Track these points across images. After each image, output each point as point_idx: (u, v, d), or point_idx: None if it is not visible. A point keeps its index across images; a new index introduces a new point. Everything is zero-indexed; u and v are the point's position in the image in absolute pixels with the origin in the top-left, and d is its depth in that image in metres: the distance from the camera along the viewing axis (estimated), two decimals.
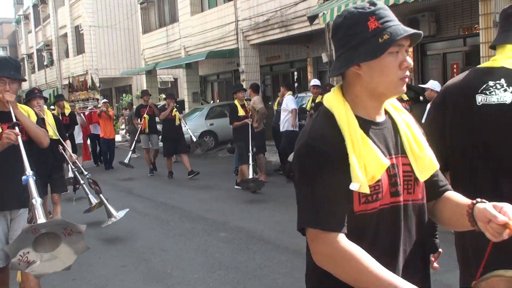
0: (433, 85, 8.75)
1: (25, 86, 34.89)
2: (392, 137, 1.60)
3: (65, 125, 8.52)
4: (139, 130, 12.04)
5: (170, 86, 27.56)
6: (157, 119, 12.54)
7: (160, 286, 4.80)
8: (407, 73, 1.53)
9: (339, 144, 1.49)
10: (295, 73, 19.25)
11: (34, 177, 3.06)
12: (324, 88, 8.41)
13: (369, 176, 1.48)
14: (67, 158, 6.77)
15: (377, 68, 1.50)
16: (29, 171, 3.08)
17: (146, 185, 10.92)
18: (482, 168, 2.09)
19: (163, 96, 25.47)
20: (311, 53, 17.44)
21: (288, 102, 10.23)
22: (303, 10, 13.83)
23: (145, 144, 12.16)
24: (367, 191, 1.47)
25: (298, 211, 1.55)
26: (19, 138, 3.26)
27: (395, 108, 1.68)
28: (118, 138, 19.54)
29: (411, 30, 1.50)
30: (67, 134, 7.30)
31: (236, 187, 9.50)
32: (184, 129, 11.34)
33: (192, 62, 20.07)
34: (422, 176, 1.61)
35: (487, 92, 2.07)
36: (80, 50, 31.65)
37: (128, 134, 17.69)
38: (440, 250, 2.19)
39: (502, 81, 2.07)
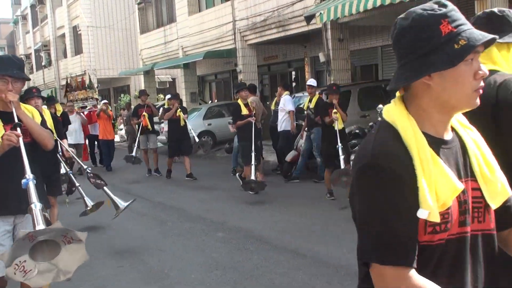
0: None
1: (24, 86, 34.81)
2: (460, 157, 1.43)
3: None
4: (140, 129, 11.87)
5: (168, 86, 27.57)
6: (155, 119, 12.53)
7: (157, 286, 4.82)
8: (482, 83, 1.38)
9: (407, 164, 1.31)
10: (293, 72, 19.29)
11: (35, 181, 2.93)
12: (331, 88, 8.19)
13: (440, 202, 1.30)
14: (64, 152, 6.75)
15: (450, 78, 1.34)
16: (29, 174, 2.93)
17: (145, 185, 10.94)
18: None
19: (161, 96, 25.61)
20: (309, 53, 17.48)
21: (286, 102, 10.26)
22: (300, 10, 13.86)
23: (143, 144, 12.15)
24: (437, 219, 1.29)
25: (360, 240, 1.36)
26: (21, 139, 3.12)
27: (461, 124, 1.49)
28: (116, 138, 19.54)
29: (489, 35, 1.34)
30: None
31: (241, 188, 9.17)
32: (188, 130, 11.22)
33: (190, 62, 20.11)
34: (494, 202, 1.42)
35: None
36: (78, 50, 31.66)
37: (126, 134, 17.68)
38: None
39: None
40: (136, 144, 11.97)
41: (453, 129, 1.46)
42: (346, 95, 10.77)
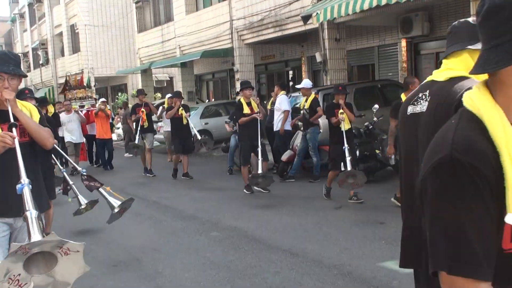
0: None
1: (20, 85, 34.79)
2: None
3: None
4: (138, 126, 11.67)
5: (165, 85, 27.59)
6: (153, 118, 12.49)
7: (151, 285, 4.84)
8: None
9: (494, 161, 1.13)
10: (290, 72, 19.31)
11: (30, 186, 2.75)
12: (337, 89, 8.04)
13: None
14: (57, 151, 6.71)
15: None
16: (24, 179, 2.76)
17: (140, 184, 10.94)
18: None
19: (159, 94, 25.61)
20: (306, 52, 17.52)
21: (281, 102, 10.27)
22: (297, 9, 13.89)
23: (140, 143, 12.11)
24: None
25: (431, 246, 1.20)
26: (16, 141, 2.95)
27: None
28: (114, 137, 19.52)
29: None
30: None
31: (245, 191, 9.02)
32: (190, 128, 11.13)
33: (187, 61, 20.12)
34: None
35: (415, 103, 2.30)
36: (75, 49, 31.64)
37: (123, 133, 17.68)
38: None
39: (427, 92, 2.27)
40: (137, 135, 11.73)
41: None
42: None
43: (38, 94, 33.67)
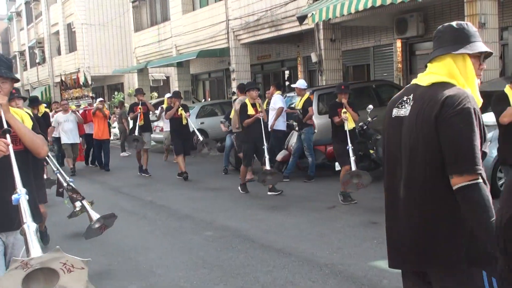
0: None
1: (17, 84, 34.73)
2: None
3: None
4: (136, 123, 11.59)
5: (162, 84, 27.61)
6: (151, 117, 12.49)
7: (144, 284, 4.88)
8: None
9: None
10: (286, 72, 19.36)
11: (27, 196, 2.56)
12: (339, 88, 8.00)
13: None
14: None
15: None
16: (20, 189, 2.57)
17: (136, 183, 10.95)
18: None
19: (155, 94, 25.62)
20: (302, 52, 17.57)
21: (276, 101, 10.31)
22: (292, 10, 13.94)
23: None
24: None
25: None
26: (10, 147, 2.76)
27: None
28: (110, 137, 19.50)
29: None
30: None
31: (240, 190, 9.03)
32: (190, 129, 11.04)
33: (183, 61, 20.17)
34: None
35: (400, 106, 2.36)
36: (72, 48, 31.63)
37: (119, 132, 17.70)
38: None
39: (411, 96, 2.33)
40: (136, 130, 11.62)
41: None
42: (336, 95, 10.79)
43: (34, 93, 33.72)
